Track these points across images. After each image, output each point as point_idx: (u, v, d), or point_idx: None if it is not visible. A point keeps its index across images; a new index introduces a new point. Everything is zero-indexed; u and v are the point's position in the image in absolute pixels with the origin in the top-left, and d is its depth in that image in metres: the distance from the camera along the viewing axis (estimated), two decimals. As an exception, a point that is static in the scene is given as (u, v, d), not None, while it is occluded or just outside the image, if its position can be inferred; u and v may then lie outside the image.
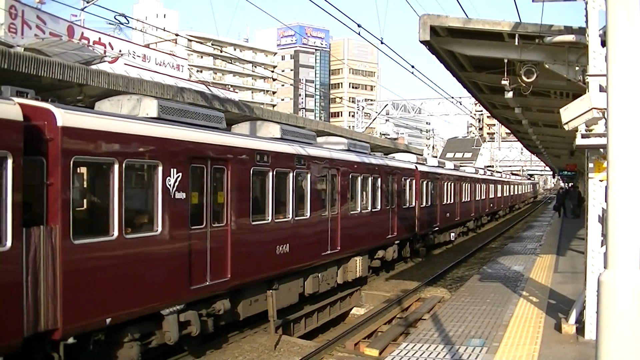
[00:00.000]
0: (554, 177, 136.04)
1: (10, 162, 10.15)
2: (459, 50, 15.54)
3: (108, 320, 12.05)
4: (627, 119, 5.44)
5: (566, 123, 11.34)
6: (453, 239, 42.01)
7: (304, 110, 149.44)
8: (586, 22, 11.81)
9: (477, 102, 29.96)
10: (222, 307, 15.64)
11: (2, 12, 30.73)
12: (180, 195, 13.90)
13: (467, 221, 48.96)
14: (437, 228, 38.02)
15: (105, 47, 41.38)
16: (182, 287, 14.05)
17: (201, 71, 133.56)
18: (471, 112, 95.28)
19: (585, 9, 11.77)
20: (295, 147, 19.69)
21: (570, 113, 11.21)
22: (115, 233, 12.24)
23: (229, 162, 15.83)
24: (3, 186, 10.13)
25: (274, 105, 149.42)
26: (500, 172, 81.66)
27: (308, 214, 20.22)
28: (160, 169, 13.41)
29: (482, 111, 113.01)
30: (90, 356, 12.12)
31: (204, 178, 14.94)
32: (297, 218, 19.46)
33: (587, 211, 12.55)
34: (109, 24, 35.01)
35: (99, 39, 41.97)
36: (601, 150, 11.63)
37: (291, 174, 19.10)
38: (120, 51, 42.19)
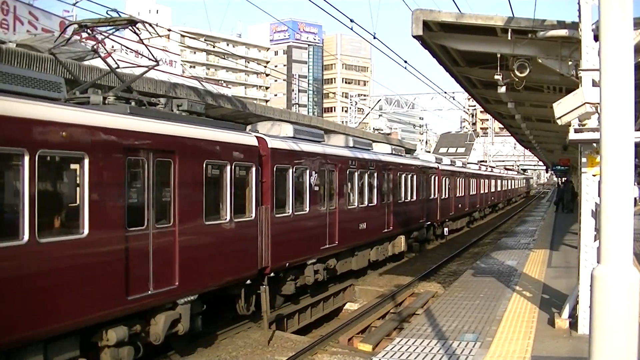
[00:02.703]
0: (547, 172, 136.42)
1: (254, 169, 17.25)
2: (452, 45, 15.51)
3: (287, 264, 19.31)
4: (620, 114, 5.43)
5: (559, 118, 11.35)
6: (446, 234, 42.13)
7: (297, 105, 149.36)
8: (579, 16, 11.80)
9: (470, 97, 30.11)
10: (332, 263, 23.06)
11: (-6, 8, 30.62)
12: (316, 188, 21.38)
13: (473, 212, 56.15)
14: (452, 216, 45.28)
15: (97, 43, 41.21)
16: (317, 247, 21.59)
17: (194, 67, 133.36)
18: (464, 107, 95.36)
19: (578, 3, 11.76)
20: (369, 154, 27.62)
21: (563, 108, 11.21)
22: (290, 211, 19.68)
23: (337, 166, 23.19)
24: (250, 183, 17.15)
25: (267, 101, 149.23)
26: (500, 169, 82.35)
27: (375, 202, 27.45)
28: (308, 171, 20.79)
29: (475, 106, 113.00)
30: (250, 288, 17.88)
31: (324, 176, 22.14)
32: (369, 204, 26.68)
33: (580, 206, 12.56)
34: (101, 19, 34.76)
35: (92, 34, 41.77)
36: (594, 144, 11.64)
37: (366, 174, 26.42)
38: (112, 47, 42.03)
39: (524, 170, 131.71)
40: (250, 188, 17.10)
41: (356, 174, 25.14)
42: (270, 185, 18.26)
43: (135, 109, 13.54)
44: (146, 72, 17.53)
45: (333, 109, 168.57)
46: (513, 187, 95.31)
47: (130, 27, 15.58)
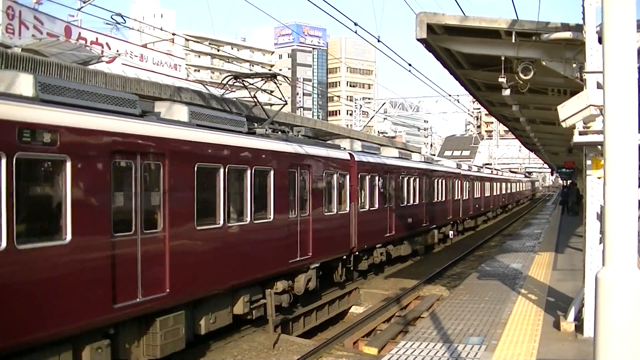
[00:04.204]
0: (552, 175, 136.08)
1: (348, 176, 23.69)
2: (456, 48, 15.50)
3: (365, 246, 25.63)
4: (624, 116, 5.42)
5: (564, 120, 11.32)
6: (451, 237, 42.23)
7: (301, 109, 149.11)
8: (583, 18, 11.79)
9: (474, 99, 30.16)
10: (390, 249, 29.50)
11: (0, 13, 30.70)
12: (381, 190, 27.66)
13: (487, 211, 62.16)
14: (471, 215, 51.53)
15: (102, 47, 41.33)
16: (382, 235, 28.02)
17: (199, 70, 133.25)
18: (469, 110, 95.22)
19: (582, 5, 11.75)
20: (411, 162, 34.02)
21: (568, 110, 11.19)
22: (367, 207, 25.96)
23: (393, 173, 29.55)
24: (346, 186, 23.54)
25: (271, 105, 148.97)
26: (505, 171, 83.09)
27: (417, 201, 33.69)
28: (376, 177, 26.95)
29: (479, 109, 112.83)
30: (349, 263, 24.68)
31: (386, 181, 28.38)
32: (413, 203, 32.98)
33: (585, 208, 12.54)
34: (106, 24, 34.91)
35: (96, 39, 41.93)
36: (599, 147, 11.60)
37: (411, 179, 32.70)
38: (117, 51, 42.15)
39: (529, 173, 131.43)
40: (346, 190, 23.65)
41: (405, 179, 31.60)
42: (356, 187, 24.48)
43: (285, 137, 19.70)
44: (280, 110, 25.09)
45: (338, 112, 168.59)
46: (520, 189, 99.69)
47: (272, 79, 21.03)
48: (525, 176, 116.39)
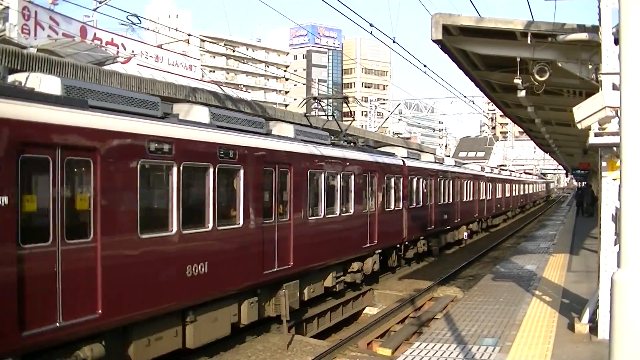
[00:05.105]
0: (567, 176, 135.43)
1: (401, 179, 28.06)
2: (472, 49, 15.49)
3: (413, 237, 30.28)
4: (640, 118, 5.40)
5: (579, 122, 11.29)
6: (466, 238, 42.15)
7: (316, 110, 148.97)
8: (599, 20, 11.76)
9: (489, 101, 30.26)
10: (431, 240, 34.05)
11: (15, 13, 30.84)
12: (425, 190, 32.33)
13: (508, 211, 66.07)
14: (493, 214, 55.88)
15: (117, 48, 41.40)
16: (425, 229, 32.40)
17: (214, 71, 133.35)
18: (484, 111, 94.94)
19: (598, 7, 11.72)
20: (444, 166, 38.05)
21: (583, 112, 11.16)
22: (414, 205, 30.24)
23: (432, 175, 33.62)
24: (399, 187, 27.83)
25: (286, 105, 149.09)
26: (519, 173, 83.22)
27: (451, 200, 38.12)
28: (421, 180, 31.54)
29: (495, 110, 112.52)
30: (400, 251, 29.56)
31: (428, 183, 32.85)
32: (447, 202, 37.14)
33: (600, 210, 12.49)
34: (122, 24, 34.92)
35: (112, 39, 41.99)
36: (614, 148, 11.58)
37: (446, 180, 36.95)
38: (132, 52, 42.23)
39: (544, 174, 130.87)
40: (398, 190, 27.88)
41: (441, 181, 35.79)
42: (407, 189, 29.09)
43: (357, 147, 24.63)
44: (348, 127, 28.22)
45: (352, 113, 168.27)
46: (536, 190, 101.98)
47: (343, 100, 27.93)
48: (540, 177, 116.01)
